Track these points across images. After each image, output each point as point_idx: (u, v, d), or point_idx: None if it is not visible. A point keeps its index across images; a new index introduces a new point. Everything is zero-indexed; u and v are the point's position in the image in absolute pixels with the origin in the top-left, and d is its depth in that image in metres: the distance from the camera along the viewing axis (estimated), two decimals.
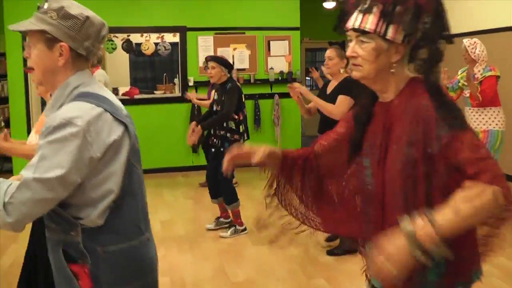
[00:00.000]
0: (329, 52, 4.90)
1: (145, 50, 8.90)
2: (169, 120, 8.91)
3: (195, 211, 6.90)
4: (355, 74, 1.80)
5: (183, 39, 8.95)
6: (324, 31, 12.70)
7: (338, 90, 4.72)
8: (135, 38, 9.00)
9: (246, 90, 8.72)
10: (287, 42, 9.40)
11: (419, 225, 1.56)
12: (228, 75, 5.61)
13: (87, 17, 1.82)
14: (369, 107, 1.90)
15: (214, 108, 5.65)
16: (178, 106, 8.95)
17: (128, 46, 8.93)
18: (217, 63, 5.54)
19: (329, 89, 4.90)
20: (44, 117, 2.91)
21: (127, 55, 10.33)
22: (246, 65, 9.21)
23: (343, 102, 4.58)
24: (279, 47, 9.37)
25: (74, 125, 1.67)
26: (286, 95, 8.66)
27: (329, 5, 10.89)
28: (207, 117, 5.75)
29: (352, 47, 1.76)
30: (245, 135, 5.89)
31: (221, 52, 8.99)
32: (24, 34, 1.84)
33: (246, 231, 5.72)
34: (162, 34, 8.99)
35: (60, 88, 1.83)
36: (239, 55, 9.10)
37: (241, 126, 5.63)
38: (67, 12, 1.78)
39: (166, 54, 9.23)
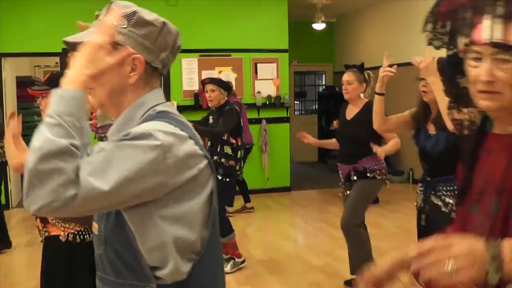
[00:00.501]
0: (348, 76, 4.60)
1: None
2: None
3: None
4: (488, 104, 1.29)
5: None
6: (313, 53, 12.61)
7: (362, 117, 4.44)
8: None
9: None
10: (275, 65, 9.08)
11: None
12: (226, 98, 5.27)
13: (164, 24, 1.50)
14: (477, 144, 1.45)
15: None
16: None
17: None
18: (216, 85, 5.18)
19: (349, 115, 4.64)
20: None
21: None
22: None
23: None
24: (266, 70, 9.04)
25: (156, 139, 1.34)
26: (274, 120, 8.30)
27: (318, 27, 10.56)
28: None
29: (489, 69, 1.24)
30: (242, 161, 5.44)
31: (206, 75, 8.57)
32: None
33: (245, 263, 5.37)
34: None
35: (131, 108, 1.49)
36: (224, 78, 8.49)
37: (239, 152, 5.26)
38: (141, 18, 1.46)
39: None
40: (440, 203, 3.54)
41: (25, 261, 5.76)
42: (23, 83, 8.25)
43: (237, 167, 5.25)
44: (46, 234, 2.89)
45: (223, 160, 5.13)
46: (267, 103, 8.98)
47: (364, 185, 4.50)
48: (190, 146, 1.43)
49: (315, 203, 8.18)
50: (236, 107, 5.36)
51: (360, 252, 4.61)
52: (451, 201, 3.47)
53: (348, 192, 4.60)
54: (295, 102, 12.77)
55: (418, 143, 3.70)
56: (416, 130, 3.74)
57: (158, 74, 1.54)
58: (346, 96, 4.65)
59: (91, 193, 1.26)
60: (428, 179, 3.61)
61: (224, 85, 5.25)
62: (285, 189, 9.18)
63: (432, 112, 3.61)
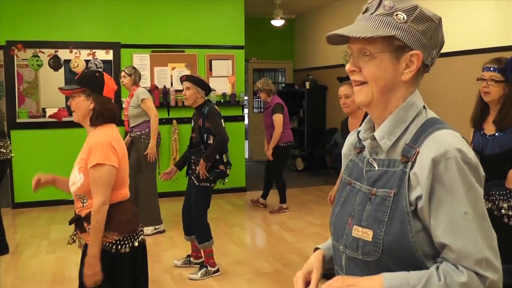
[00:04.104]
0: (345, 90, 4.41)
1: (74, 67, 8.05)
2: None
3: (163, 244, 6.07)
4: None
5: (117, 56, 8.27)
6: (272, 50, 12.41)
7: None
8: (64, 54, 8.18)
9: (185, 113, 8.26)
10: (230, 61, 8.82)
11: None
12: (205, 98, 5.10)
13: (440, 20, 1.46)
14: None
15: (191, 135, 5.21)
16: None
17: (56, 63, 8.09)
18: (192, 83, 5.00)
19: (352, 129, 4.39)
20: (94, 145, 2.76)
21: (63, 72, 9.48)
22: None
23: None
24: (221, 67, 8.79)
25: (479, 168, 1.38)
26: (229, 119, 8.01)
27: (277, 23, 10.35)
28: (191, 147, 5.25)
29: None
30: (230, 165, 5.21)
31: (159, 71, 8.40)
32: (352, 41, 1.46)
33: (218, 273, 5.17)
34: (93, 50, 8.25)
35: (402, 110, 1.46)
36: (178, 75, 8.39)
37: (224, 156, 5.06)
38: (422, 13, 1.42)
39: None
40: (493, 207, 3.49)
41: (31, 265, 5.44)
42: None
43: (227, 172, 5.11)
44: (78, 240, 2.93)
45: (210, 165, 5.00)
46: (222, 101, 8.73)
47: None
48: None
49: (270, 203, 7.96)
50: (216, 108, 5.15)
51: None
52: (504, 205, 3.44)
53: None
54: (254, 99, 12.53)
55: (473, 144, 3.63)
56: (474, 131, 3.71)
57: (423, 73, 1.49)
58: (346, 111, 4.45)
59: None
60: None
61: (203, 85, 5.05)
62: (240, 189, 8.98)
63: (491, 113, 3.58)
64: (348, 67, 1.49)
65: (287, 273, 5.19)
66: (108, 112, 2.89)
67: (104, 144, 2.78)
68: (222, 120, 5.06)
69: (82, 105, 2.86)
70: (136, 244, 2.88)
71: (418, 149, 1.38)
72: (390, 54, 1.42)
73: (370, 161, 1.50)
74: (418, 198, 1.35)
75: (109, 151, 2.78)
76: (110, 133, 2.89)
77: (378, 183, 1.44)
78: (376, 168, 1.47)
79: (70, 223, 2.93)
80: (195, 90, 5.00)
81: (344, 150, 1.71)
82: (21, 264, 5.59)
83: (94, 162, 2.73)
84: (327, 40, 1.50)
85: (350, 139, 1.70)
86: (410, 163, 1.38)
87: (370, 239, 1.40)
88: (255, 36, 11.10)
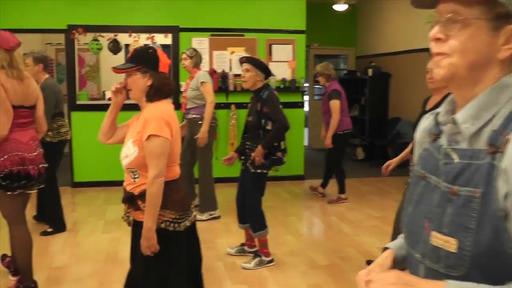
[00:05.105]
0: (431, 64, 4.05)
1: None
2: None
3: (218, 231, 6.04)
4: None
5: (176, 40, 8.22)
6: (334, 36, 12.09)
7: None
8: (123, 38, 8.21)
9: (244, 98, 8.08)
10: (291, 46, 8.60)
11: None
12: (265, 81, 4.91)
13: None
14: None
15: (247, 119, 5.03)
16: None
17: (115, 47, 8.13)
18: (252, 65, 4.82)
19: (430, 105, 4.17)
20: (149, 117, 2.74)
21: (123, 55, 9.52)
22: None
23: None
24: (282, 52, 8.57)
25: None
26: (288, 105, 7.82)
27: (339, 8, 10.05)
28: (245, 131, 5.08)
29: None
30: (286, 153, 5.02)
31: (218, 55, 8.30)
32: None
33: (273, 263, 5.02)
34: (152, 34, 8.22)
35: (493, 90, 1.21)
36: (237, 60, 8.16)
37: (282, 143, 4.86)
38: None
39: None
40: None
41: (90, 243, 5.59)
42: None
43: (283, 159, 4.91)
44: (131, 218, 2.95)
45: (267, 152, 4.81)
46: (282, 86, 8.53)
47: None
48: None
49: (329, 193, 7.73)
50: (276, 93, 4.98)
51: None
52: None
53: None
54: (314, 86, 12.28)
55: None
56: None
57: None
58: (431, 86, 4.13)
59: None
60: None
61: (263, 68, 4.86)
62: (298, 177, 8.78)
63: None
64: (433, 33, 1.24)
65: (343, 267, 4.98)
66: (165, 87, 2.89)
67: (159, 117, 2.77)
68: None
69: (139, 82, 2.84)
70: (187, 223, 2.87)
71: (509, 136, 1.13)
72: (488, 23, 1.17)
73: (448, 151, 1.25)
74: (507, 196, 1.10)
75: (163, 124, 2.76)
76: (165, 108, 2.88)
77: (460, 179, 1.18)
78: (456, 160, 1.21)
79: (123, 201, 2.95)
80: (254, 73, 4.81)
81: (417, 136, 1.45)
82: (76, 242, 5.67)
83: (148, 133, 2.72)
84: (412, 2, 1.29)
85: (425, 123, 1.44)
86: (499, 154, 1.12)
87: (455, 250, 1.15)
88: (316, 22, 10.82)
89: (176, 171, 2.92)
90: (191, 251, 2.96)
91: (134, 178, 2.83)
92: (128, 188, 2.88)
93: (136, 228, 2.88)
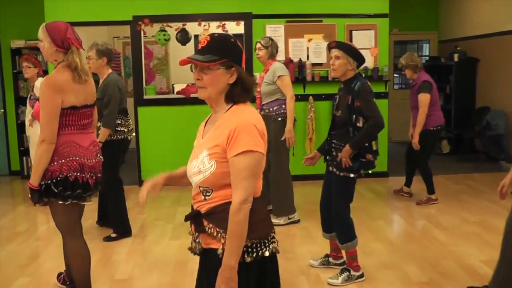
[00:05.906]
0: None
1: None
2: None
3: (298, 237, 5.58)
4: None
5: (249, 28, 7.82)
6: (415, 20, 11.34)
7: None
8: (192, 27, 7.87)
9: (323, 89, 7.72)
10: (373, 32, 8.03)
11: None
12: (357, 70, 4.30)
13: None
14: None
15: (334, 113, 4.46)
16: None
17: (183, 37, 7.79)
18: (343, 51, 4.19)
19: None
20: (239, 128, 2.18)
21: (192, 46, 9.18)
22: (323, 59, 7.92)
23: None
24: (363, 38, 7.99)
25: None
26: None
27: None
28: (332, 128, 4.52)
29: None
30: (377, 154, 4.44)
31: (294, 43, 7.89)
32: None
33: (363, 278, 4.46)
34: (223, 22, 7.88)
35: None
36: (314, 48, 7.90)
37: (374, 143, 4.27)
38: None
39: None
40: None
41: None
42: None
43: (375, 162, 4.37)
44: (200, 244, 2.41)
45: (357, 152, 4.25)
46: (363, 75, 7.83)
47: None
48: None
49: (415, 191, 7.05)
50: (369, 85, 4.33)
51: None
52: None
53: None
54: (395, 75, 11.54)
55: None
56: None
57: None
58: None
59: None
60: None
61: (355, 54, 4.22)
62: (382, 174, 8.14)
63: None
64: None
65: (444, 285, 4.30)
66: (251, 86, 2.34)
67: (251, 126, 2.21)
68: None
69: (221, 80, 2.25)
70: (266, 253, 2.26)
71: None
72: None
73: None
74: None
75: (258, 135, 2.22)
76: (253, 113, 2.30)
77: None
78: None
79: (186, 220, 2.39)
80: (345, 61, 4.19)
81: None
82: (143, 249, 5.29)
83: (241, 148, 2.17)
84: None
85: None
86: None
87: None
88: (396, 6, 10.11)
89: (259, 188, 2.34)
90: (266, 285, 2.34)
91: (206, 196, 2.28)
92: (196, 206, 2.34)
93: (205, 257, 2.39)
